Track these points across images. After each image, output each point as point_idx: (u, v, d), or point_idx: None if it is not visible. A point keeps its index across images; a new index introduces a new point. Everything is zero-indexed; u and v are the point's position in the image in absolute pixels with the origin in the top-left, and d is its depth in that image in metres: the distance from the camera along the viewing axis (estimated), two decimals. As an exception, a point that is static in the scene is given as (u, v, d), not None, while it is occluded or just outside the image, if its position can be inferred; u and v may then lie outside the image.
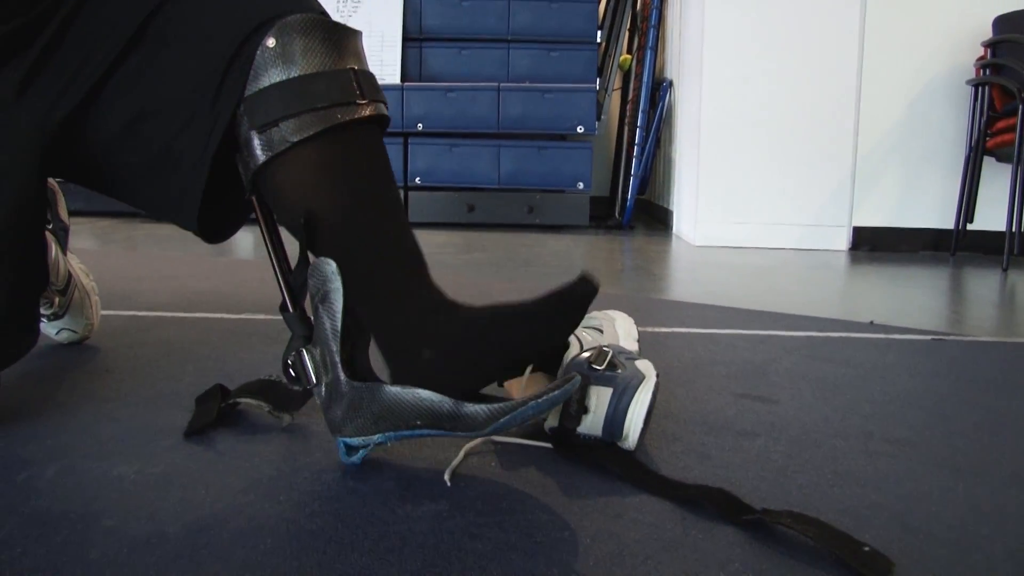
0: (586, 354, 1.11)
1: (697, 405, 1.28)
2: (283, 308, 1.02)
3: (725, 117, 3.53)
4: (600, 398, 1.05)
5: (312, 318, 0.99)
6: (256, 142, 0.95)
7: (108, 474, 0.96)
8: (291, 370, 1.00)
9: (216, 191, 1.03)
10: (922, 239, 3.52)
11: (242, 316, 1.82)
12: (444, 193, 4.08)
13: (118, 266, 2.47)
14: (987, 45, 3.29)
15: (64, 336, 1.48)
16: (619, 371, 1.08)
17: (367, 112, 0.96)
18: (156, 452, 1.03)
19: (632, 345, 1.27)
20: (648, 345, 1.64)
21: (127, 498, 0.90)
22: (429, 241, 3.49)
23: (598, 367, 1.07)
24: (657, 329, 1.80)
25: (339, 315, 0.95)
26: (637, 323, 1.41)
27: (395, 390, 0.94)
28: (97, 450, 1.03)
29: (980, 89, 3.28)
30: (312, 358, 0.98)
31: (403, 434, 0.95)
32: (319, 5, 1.01)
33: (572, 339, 1.17)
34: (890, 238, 3.53)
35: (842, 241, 3.54)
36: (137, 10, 1.01)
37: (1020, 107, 2.98)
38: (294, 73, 0.94)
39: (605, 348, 1.12)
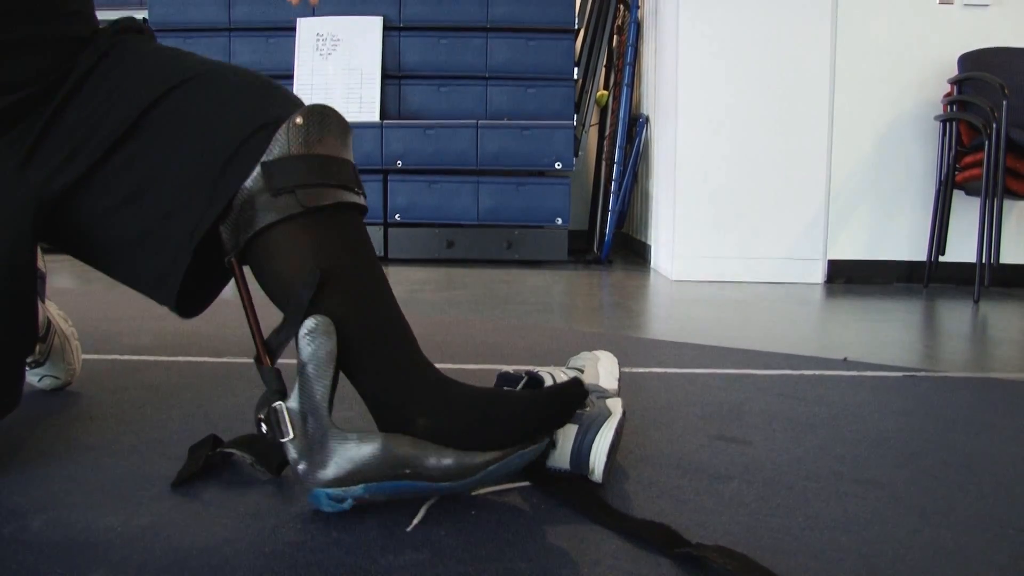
0: None
1: (673, 447, 1.31)
2: (258, 360, 1.05)
3: (700, 152, 3.59)
4: (566, 434, 1.11)
5: (298, 376, 1.01)
6: (263, 204, 1.01)
7: (95, 525, 0.97)
8: (263, 424, 1.02)
9: (193, 271, 1.08)
10: (896, 271, 3.58)
11: (224, 360, 1.84)
12: (423, 229, 4.11)
13: (98, 306, 2.48)
14: (953, 82, 3.37)
15: (47, 383, 1.50)
16: (587, 409, 1.12)
17: (360, 200, 1.08)
18: (143, 502, 1.05)
19: (612, 384, 1.30)
20: (627, 386, 1.67)
21: (114, 551, 0.91)
22: (408, 278, 3.52)
23: None
24: (635, 369, 1.83)
25: (332, 369, 1.00)
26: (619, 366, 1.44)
27: (383, 437, 0.98)
28: (84, 500, 1.05)
29: (948, 125, 3.35)
30: (289, 411, 1.00)
31: (386, 486, 0.98)
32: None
33: (548, 378, 1.21)
34: (864, 270, 3.59)
35: (817, 274, 3.59)
36: (139, 98, 1.09)
37: (986, 142, 3.05)
38: (315, 151, 1.03)
39: None
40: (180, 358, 1.83)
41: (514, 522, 1.02)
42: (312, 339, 1.00)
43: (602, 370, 1.31)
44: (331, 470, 0.99)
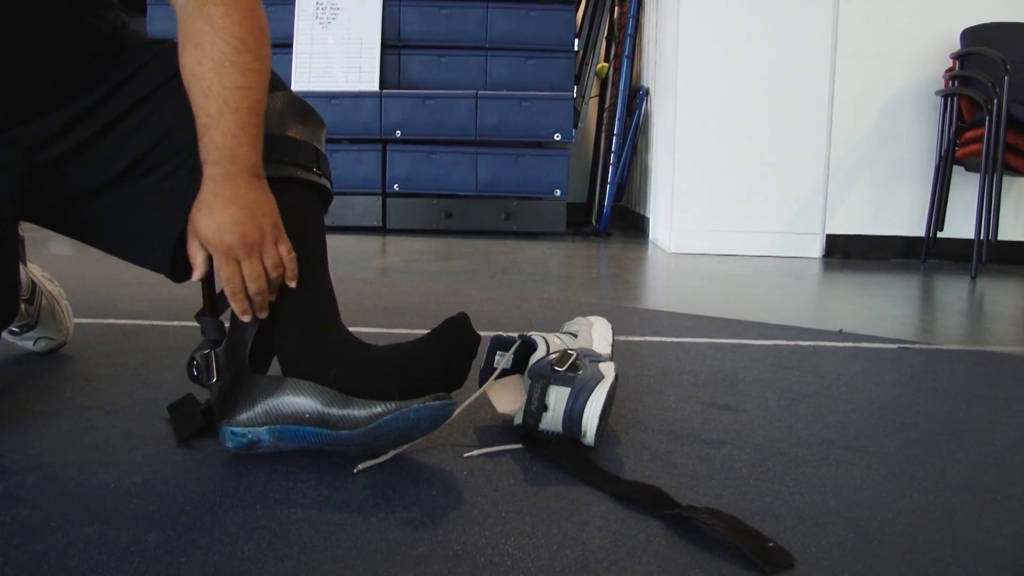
0: (551, 356, 1.16)
1: (666, 414, 1.31)
2: (200, 314, 1.12)
3: (700, 125, 3.58)
4: (559, 397, 1.11)
5: (231, 321, 1.09)
6: None
7: (89, 483, 0.98)
8: (195, 369, 1.07)
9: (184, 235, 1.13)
10: (893, 247, 3.58)
11: (220, 324, 1.84)
12: (422, 200, 4.10)
13: (95, 272, 2.48)
14: (955, 57, 3.36)
15: (42, 345, 1.50)
16: (580, 372, 1.13)
17: (317, 181, 1.15)
18: (136, 461, 1.05)
19: (605, 349, 1.31)
20: (621, 354, 1.67)
21: (107, 506, 0.92)
22: (406, 248, 3.51)
23: (559, 368, 1.13)
24: (629, 338, 1.84)
25: (254, 328, 1.08)
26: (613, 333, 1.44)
27: (292, 382, 1.04)
28: (78, 459, 1.05)
29: (949, 100, 3.34)
30: (217, 359, 1.07)
31: (289, 429, 1.03)
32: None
33: (541, 342, 1.21)
34: (862, 245, 3.58)
35: (815, 248, 3.59)
36: (152, 76, 1.17)
37: (987, 118, 3.04)
38: (284, 133, 1.12)
39: (569, 351, 1.17)
40: (175, 323, 1.83)
41: (505, 483, 1.02)
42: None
43: (595, 335, 1.31)
44: (241, 409, 1.04)
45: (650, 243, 3.97)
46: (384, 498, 0.97)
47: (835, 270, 3.23)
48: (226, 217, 1.02)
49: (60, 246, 3.14)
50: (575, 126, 4.16)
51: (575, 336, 1.29)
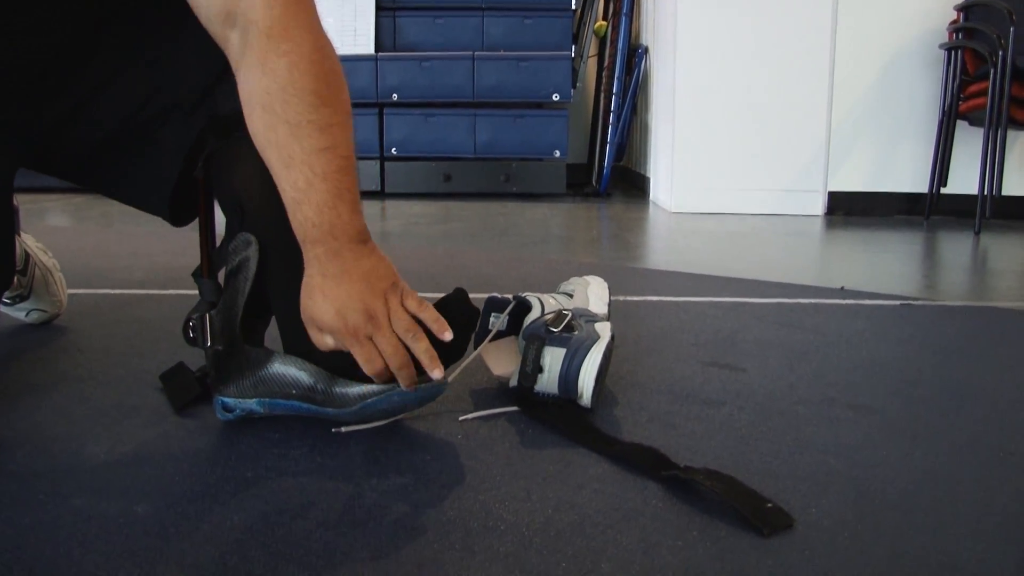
0: (546, 317, 1.15)
1: (664, 374, 1.30)
2: (197, 273, 1.10)
3: (700, 83, 3.53)
4: (554, 358, 1.10)
5: (223, 286, 1.07)
6: (218, 128, 1.06)
7: (79, 454, 0.97)
8: (191, 331, 1.06)
9: (182, 178, 1.11)
10: (896, 203, 3.54)
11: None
12: (420, 163, 4.07)
13: (92, 243, 2.46)
14: (960, 9, 3.30)
15: (35, 316, 1.48)
16: (575, 333, 1.11)
17: None
18: (127, 431, 1.04)
19: (601, 308, 1.29)
20: (619, 314, 1.66)
21: (97, 477, 0.91)
22: (405, 212, 3.49)
23: (554, 329, 1.11)
24: (629, 298, 1.82)
25: (249, 282, 1.03)
26: (610, 293, 1.42)
27: (280, 357, 1.01)
28: (69, 430, 1.04)
29: (953, 53, 3.29)
30: (212, 322, 1.04)
31: (278, 403, 1.01)
32: None
33: (536, 302, 1.20)
34: (865, 203, 3.55)
35: (817, 206, 3.56)
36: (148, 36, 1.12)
37: (992, 71, 3.00)
38: None
39: (564, 311, 1.15)
40: (170, 291, 1.82)
41: (500, 447, 1.01)
42: (235, 253, 1.04)
43: (591, 295, 1.29)
44: (232, 381, 1.02)
45: (651, 203, 3.94)
46: (378, 464, 0.95)
47: (837, 227, 3.20)
48: (343, 297, 0.93)
49: (57, 217, 3.12)
50: (573, 86, 4.11)
51: (571, 296, 1.27)
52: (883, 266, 2.39)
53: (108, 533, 0.79)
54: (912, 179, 3.50)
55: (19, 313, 1.48)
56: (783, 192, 3.56)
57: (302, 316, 0.97)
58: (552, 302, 1.21)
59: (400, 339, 0.95)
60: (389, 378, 0.97)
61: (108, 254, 2.27)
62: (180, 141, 1.08)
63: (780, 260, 2.49)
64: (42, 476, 0.91)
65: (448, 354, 1.04)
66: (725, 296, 1.87)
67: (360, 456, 0.98)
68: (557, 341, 1.10)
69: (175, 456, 0.97)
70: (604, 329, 1.14)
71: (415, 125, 4.01)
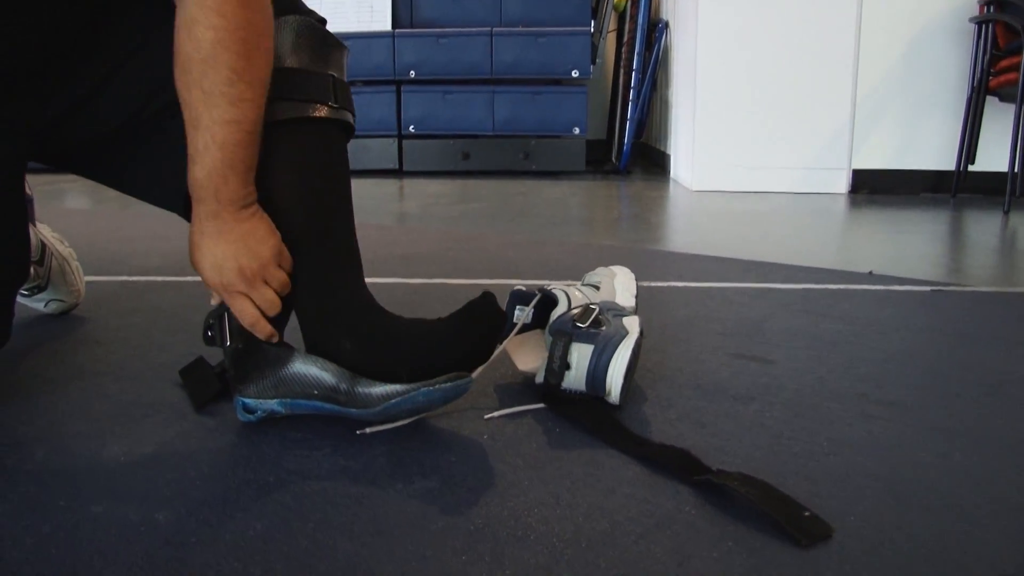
0: (573, 312, 1.12)
1: (692, 367, 1.27)
2: None
3: (721, 59, 3.48)
4: (581, 355, 1.07)
5: None
6: None
7: (98, 455, 0.95)
8: (209, 330, 1.04)
9: None
10: (922, 181, 3.49)
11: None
12: (438, 141, 4.03)
13: (110, 227, 2.45)
14: (990, -19, 3.23)
15: (53, 307, 1.47)
16: (602, 328, 1.09)
17: (335, 116, 1.04)
18: (147, 430, 1.02)
19: (628, 301, 1.26)
20: (644, 301, 1.63)
21: (117, 481, 0.89)
22: (423, 191, 3.46)
23: (581, 325, 1.09)
24: (653, 284, 1.79)
25: None
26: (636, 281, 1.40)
27: (301, 356, 1.00)
28: (87, 429, 1.02)
29: (983, 27, 3.21)
30: (231, 322, 1.02)
31: (299, 403, 1.00)
32: (317, 15, 1.07)
33: (562, 296, 1.17)
34: (889, 180, 3.50)
35: (841, 184, 3.50)
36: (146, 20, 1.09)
37: None
38: (285, 64, 1.00)
39: (592, 306, 1.13)
40: (189, 278, 1.79)
41: (527, 448, 0.99)
42: None
43: (618, 286, 1.26)
44: (252, 382, 1.01)
45: (671, 180, 3.89)
46: (401, 467, 0.93)
47: (862, 206, 3.15)
48: (218, 255, 0.97)
49: (76, 199, 3.11)
50: (593, 62, 4.06)
51: (597, 288, 1.25)
52: (911, 248, 2.35)
53: (128, 542, 0.77)
54: (939, 156, 3.44)
55: (37, 304, 1.46)
56: (806, 170, 3.51)
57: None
58: (578, 295, 1.18)
59: (276, 293, 1.00)
60: (272, 333, 1.01)
61: (125, 238, 2.26)
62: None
63: (805, 242, 2.45)
64: (61, 478, 0.89)
65: (474, 358, 1.03)
66: (750, 282, 1.84)
67: (383, 457, 0.95)
68: (584, 337, 1.07)
69: (195, 457, 0.95)
70: (632, 324, 1.11)
71: (433, 102, 3.97)
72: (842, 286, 1.81)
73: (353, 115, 1.08)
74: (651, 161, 4.62)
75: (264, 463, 0.94)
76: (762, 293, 1.74)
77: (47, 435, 1.00)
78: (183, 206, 1.09)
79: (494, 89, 3.97)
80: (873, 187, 3.50)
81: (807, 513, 0.83)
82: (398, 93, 3.98)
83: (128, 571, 0.73)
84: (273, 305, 1.00)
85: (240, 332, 1.01)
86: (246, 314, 0.99)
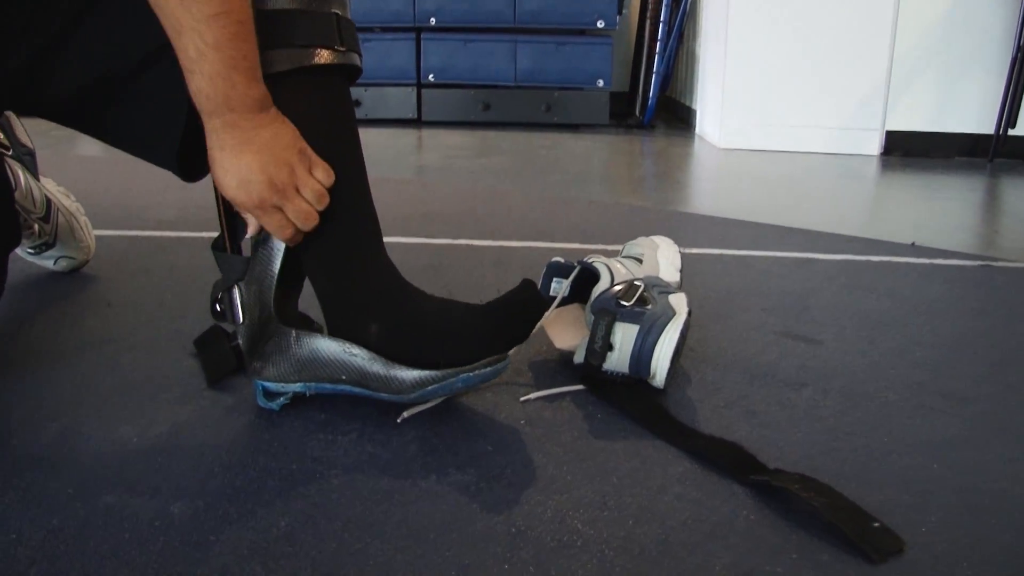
0: (616, 288, 1.04)
1: (736, 346, 1.20)
2: (216, 246, 0.98)
3: (754, 11, 3.35)
4: (626, 335, 1.00)
5: (252, 254, 0.96)
6: None
7: (109, 436, 0.89)
8: (218, 304, 0.97)
9: (192, 128, 0.96)
10: (958, 144, 3.37)
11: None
12: (458, 91, 3.92)
13: (123, 177, 2.37)
14: (1039, -64, 3.09)
15: (63, 264, 1.40)
16: (648, 307, 1.02)
17: (342, 60, 0.93)
18: (160, 408, 0.96)
19: (673, 275, 1.19)
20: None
21: (129, 467, 0.83)
22: (443, 142, 3.37)
23: (626, 303, 1.02)
24: (688, 251, 1.71)
25: (280, 256, 0.94)
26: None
27: (328, 342, 0.92)
28: (98, 406, 0.96)
29: (1029, -16, 3.09)
30: (242, 296, 0.95)
31: (324, 387, 0.94)
32: None
33: (603, 270, 1.10)
34: (924, 143, 3.39)
35: (873, 146, 3.40)
36: None
37: (1072, 6, 2.81)
38: (278, 6, 0.88)
39: (636, 282, 1.05)
40: (205, 234, 1.72)
41: (567, 436, 0.92)
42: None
43: (662, 259, 1.19)
44: (271, 364, 0.94)
45: (696, 137, 3.79)
46: (434, 455, 0.87)
47: (895, 169, 3.05)
48: (243, 169, 0.87)
49: (89, 147, 3.03)
50: (619, 12, 3.93)
51: (640, 261, 1.17)
52: (952, 217, 2.26)
53: (143, 540, 0.71)
54: (977, 119, 3.32)
55: (47, 262, 1.39)
56: (837, 130, 3.40)
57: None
58: (622, 270, 1.10)
59: (311, 204, 0.91)
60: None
61: (139, 189, 2.18)
62: (182, 84, 0.93)
63: (841, 207, 2.36)
64: (71, 465, 0.83)
65: (507, 347, 0.96)
66: (789, 250, 1.76)
67: (415, 444, 0.89)
68: (629, 316, 1.00)
69: (212, 441, 0.89)
70: (680, 303, 1.04)
71: (453, 51, 3.86)
72: (885, 258, 1.73)
73: (360, 54, 0.97)
74: (675, 115, 4.51)
75: (286, 449, 0.87)
76: (802, 264, 1.66)
77: (55, 413, 0.94)
78: (178, 165, 1.00)
79: (517, 38, 3.85)
80: (906, 149, 3.39)
81: (876, 524, 0.76)
82: (418, 40, 3.87)
83: (144, 574, 0.66)
84: (309, 217, 0.90)
85: (253, 307, 0.94)
86: (284, 230, 0.91)
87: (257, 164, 0.87)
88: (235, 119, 0.86)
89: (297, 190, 0.89)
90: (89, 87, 0.99)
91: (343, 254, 0.95)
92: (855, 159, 3.26)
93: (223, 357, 1.03)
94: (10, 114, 1.37)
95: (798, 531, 0.76)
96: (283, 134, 0.89)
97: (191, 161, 0.99)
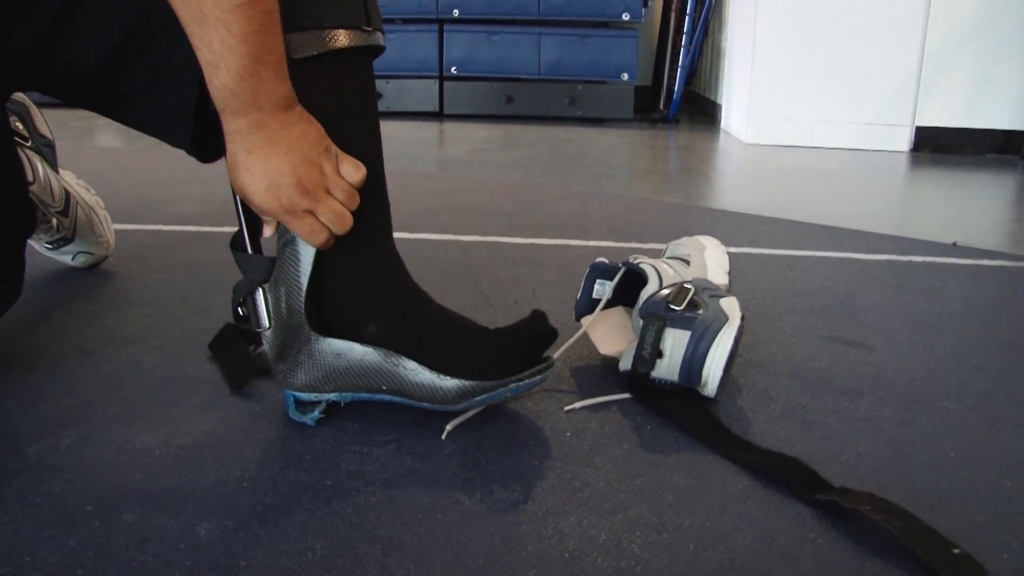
0: (665, 291, 0.99)
1: (786, 351, 1.14)
2: (236, 246, 0.91)
3: (784, 4, 3.28)
4: (676, 342, 0.94)
5: (278, 254, 0.89)
6: None
7: (131, 445, 0.84)
8: (240, 308, 0.90)
9: (205, 108, 0.90)
10: (990, 141, 3.29)
11: (275, 229, 1.69)
12: (481, 84, 3.87)
13: (142, 167, 2.32)
14: (1079, -73, 3.01)
15: (81, 260, 1.35)
16: (699, 312, 0.96)
17: (369, 42, 0.87)
18: (184, 415, 0.91)
19: (721, 278, 1.13)
20: (719, 272, 1.50)
21: (152, 481, 0.78)
22: (468, 135, 3.31)
23: (676, 307, 0.96)
24: (728, 250, 1.64)
25: (310, 258, 0.87)
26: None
27: (367, 350, 0.87)
28: (119, 412, 0.91)
29: (1067, -24, 3.00)
30: (267, 299, 0.88)
31: (361, 396, 0.88)
32: None
33: (651, 272, 1.04)
34: (955, 139, 3.30)
35: (903, 142, 3.32)
36: None
37: (1114, -2, 2.73)
38: None
39: (686, 285, 0.99)
40: (227, 228, 1.67)
41: (617, 450, 0.86)
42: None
43: (710, 261, 1.13)
44: (302, 371, 0.88)
45: (722, 132, 3.72)
46: (477, 470, 0.81)
47: (926, 166, 2.98)
48: (271, 172, 0.81)
49: (109, 138, 2.99)
50: (645, 5, 3.87)
51: (687, 263, 1.11)
52: (991, 215, 2.19)
53: (168, 564, 0.66)
54: (1011, 114, 3.24)
55: (64, 257, 1.34)
56: (867, 125, 3.32)
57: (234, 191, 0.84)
58: (670, 272, 1.05)
59: (343, 205, 0.85)
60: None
61: (160, 181, 2.14)
62: (194, 68, 0.87)
63: (876, 204, 2.29)
64: (90, 476, 0.78)
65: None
66: (829, 250, 1.70)
67: (456, 458, 0.83)
68: (680, 322, 0.94)
69: (240, 453, 0.83)
70: (732, 307, 0.98)
71: (477, 43, 3.80)
72: (928, 258, 1.66)
73: (383, 34, 0.91)
74: (699, 110, 4.44)
75: (320, 462, 0.82)
76: (843, 264, 1.60)
77: (74, 418, 0.89)
78: (192, 144, 0.94)
79: (541, 31, 3.79)
80: (936, 146, 3.31)
81: (957, 551, 0.70)
82: (440, 32, 3.81)
83: (167, 601, 0.61)
84: (343, 219, 0.85)
85: (280, 311, 0.87)
86: (317, 235, 0.85)
87: (287, 166, 0.81)
88: (263, 118, 0.80)
89: (328, 191, 0.83)
90: (100, 61, 0.93)
91: (358, 252, 0.89)
92: (884, 155, 3.18)
93: (243, 360, 0.98)
94: (31, 104, 1.32)
95: (872, 557, 0.70)
96: (310, 132, 0.83)
97: (206, 141, 0.93)
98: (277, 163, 0.81)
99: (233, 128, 0.81)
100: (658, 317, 0.95)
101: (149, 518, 0.71)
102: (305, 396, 0.88)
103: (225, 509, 0.73)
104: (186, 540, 0.69)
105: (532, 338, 0.90)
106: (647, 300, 0.98)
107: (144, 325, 1.15)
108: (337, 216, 0.84)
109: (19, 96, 1.31)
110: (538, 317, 0.91)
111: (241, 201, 0.89)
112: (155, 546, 0.68)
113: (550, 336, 0.91)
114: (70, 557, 0.66)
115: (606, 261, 1.08)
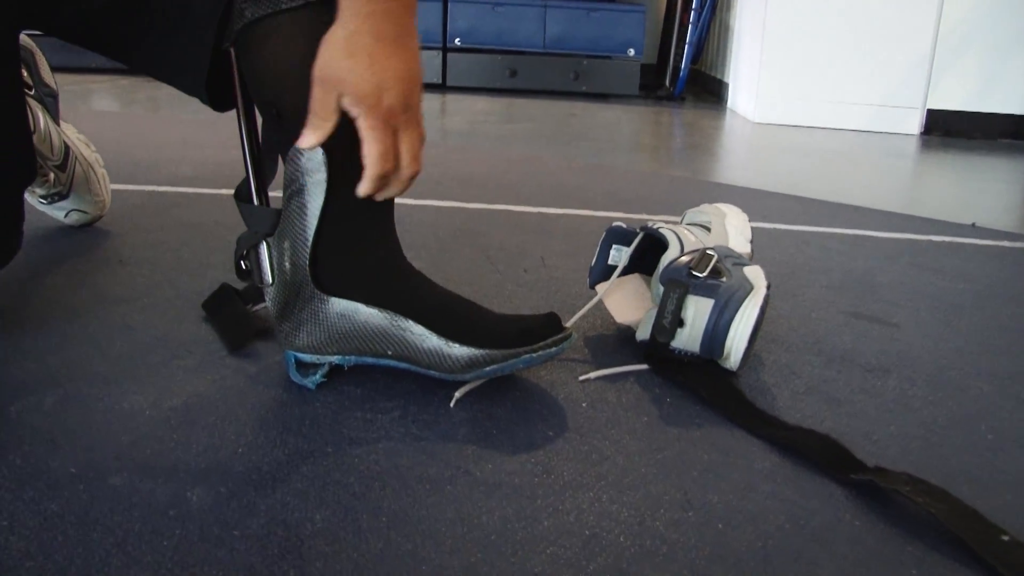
0: (686, 258, 0.93)
1: (807, 326, 1.09)
2: (240, 196, 0.86)
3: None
4: (699, 310, 0.89)
5: (283, 207, 0.83)
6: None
7: (118, 406, 0.79)
8: (243, 262, 0.85)
9: (222, 51, 0.85)
10: (1001, 125, 3.24)
11: (275, 193, 1.63)
12: (485, 56, 3.80)
13: (138, 131, 2.26)
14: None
15: (74, 218, 1.29)
16: (723, 279, 0.90)
17: None
18: (175, 376, 0.85)
19: (744, 247, 1.08)
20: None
21: (140, 444, 0.72)
22: (469, 108, 3.25)
23: (698, 274, 0.91)
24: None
25: (317, 211, 0.80)
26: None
27: (374, 312, 0.82)
28: (106, 372, 0.85)
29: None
30: (271, 253, 0.83)
31: (365, 360, 0.84)
32: None
33: (672, 237, 0.98)
34: (966, 123, 3.25)
35: (914, 124, 3.26)
36: None
37: None
38: None
39: (709, 251, 0.94)
40: (224, 191, 1.62)
41: (636, 422, 0.81)
42: (290, 167, 0.80)
43: (731, 229, 1.08)
44: (304, 332, 0.83)
45: (728, 110, 3.66)
46: (487, 441, 0.76)
47: (937, 150, 2.92)
48: (389, 71, 0.73)
49: (103, 100, 2.92)
50: (653, -21, 3.80)
51: (708, 230, 1.06)
52: (1007, 198, 2.14)
53: (155, 532, 0.60)
54: (1023, 99, 3.18)
55: (58, 213, 1.29)
56: (877, 107, 3.27)
57: (317, 71, 0.74)
58: (691, 238, 0.99)
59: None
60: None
61: (155, 143, 2.07)
62: (213, 6, 0.83)
63: (890, 185, 2.24)
64: (74, 437, 0.73)
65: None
66: (844, 227, 1.65)
67: (465, 427, 0.78)
68: (703, 290, 0.89)
69: (235, 416, 0.78)
70: (757, 276, 0.93)
71: (481, 14, 3.73)
72: (945, 238, 1.61)
73: None
74: (705, 88, 4.38)
75: (319, 428, 0.77)
76: (860, 241, 1.55)
77: (59, 376, 0.84)
78: (207, 93, 0.88)
79: (546, 3, 3.72)
80: (947, 129, 3.26)
81: (1006, 538, 0.65)
82: (444, 3, 3.74)
83: (154, 573, 0.56)
84: (417, 158, 0.78)
85: (284, 267, 0.82)
86: (387, 159, 0.76)
87: (404, 74, 0.74)
88: (397, 8, 0.73)
89: (418, 124, 0.77)
90: (124, 4, 0.88)
91: (368, 212, 0.83)
92: (894, 138, 3.13)
93: (242, 320, 0.93)
94: (36, 50, 1.26)
95: (913, 541, 0.65)
96: (419, 54, 0.77)
97: (223, 90, 0.88)
98: (396, 65, 0.73)
99: (366, 10, 0.72)
100: (680, 284, 0.89)
101: (136, 483, 0.66)
102: (307, 357, 0.83)
103: (218, 475, 0.68)
104: (175, 507, 0.63)
105: (543, 326, 0.84)
106: (667, 266, 0.93)
107: (136, 285, 1.10)
108: (415, 150, 0.78)
109: (26, 41, 1.25)
110: (553, 319, 0.86)
111: (250, 148, 0.84)
112: (142, 513, 0.62)
113: (563, 336, 0.85)
114: (51, 522, 0.61)
115: (623, 225, 1.03)
